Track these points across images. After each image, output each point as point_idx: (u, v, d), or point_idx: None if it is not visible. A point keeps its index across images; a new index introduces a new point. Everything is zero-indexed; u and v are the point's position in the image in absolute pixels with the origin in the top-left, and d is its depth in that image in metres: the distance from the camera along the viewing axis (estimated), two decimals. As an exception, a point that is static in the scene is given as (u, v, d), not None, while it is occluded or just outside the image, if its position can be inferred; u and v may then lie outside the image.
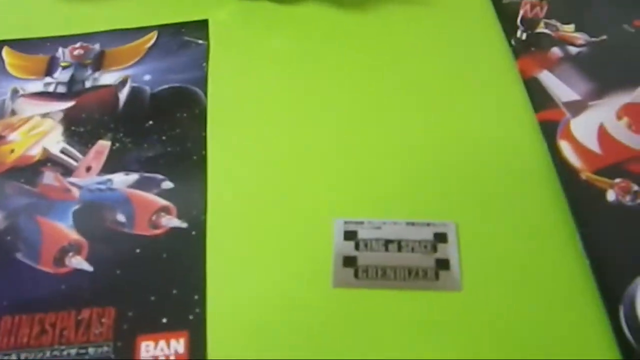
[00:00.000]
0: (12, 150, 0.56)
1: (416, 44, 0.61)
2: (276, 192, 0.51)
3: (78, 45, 0.64)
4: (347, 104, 0.57)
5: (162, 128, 0.56)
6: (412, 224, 0.48)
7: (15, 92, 0.60)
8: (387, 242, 0.47)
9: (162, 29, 0.65)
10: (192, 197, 0.51)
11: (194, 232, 0.49)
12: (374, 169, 0.52)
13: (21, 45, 0.65)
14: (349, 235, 0.48)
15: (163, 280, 0.46)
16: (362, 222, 0.48)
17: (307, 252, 0.47)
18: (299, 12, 0.65)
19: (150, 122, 0.56)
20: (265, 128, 0.56)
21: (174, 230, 0.49)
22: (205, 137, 0.55)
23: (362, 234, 0.48)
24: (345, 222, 0.48)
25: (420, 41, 0.61)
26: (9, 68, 0.63)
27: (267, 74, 0.60)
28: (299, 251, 0.47)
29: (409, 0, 0.65)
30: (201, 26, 0.65)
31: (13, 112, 0.59)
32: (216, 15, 0.66)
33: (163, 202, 0.51)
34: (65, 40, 0.65)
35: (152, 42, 0.64)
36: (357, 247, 0.47)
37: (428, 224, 0.48)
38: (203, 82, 0.59)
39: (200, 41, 0.63)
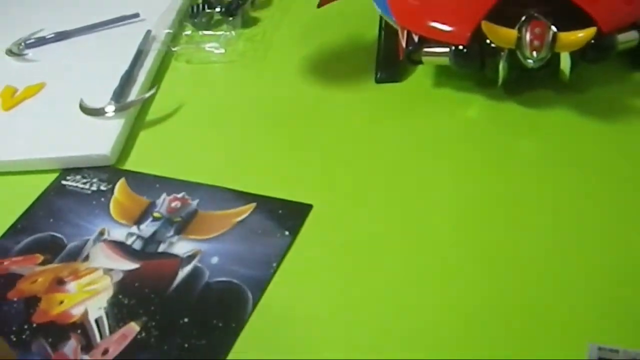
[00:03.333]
0: (62, 302, 0.56)
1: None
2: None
3: (180, 196, 0.64)
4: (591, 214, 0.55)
5: (191, 333, 0.52)
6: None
7: (101, 234, 0.61)
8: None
9: (262, 201, 0.61)
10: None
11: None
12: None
13: (136, 178, 0.66)
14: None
15: None
16: (617, 351, 0.45)
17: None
18: (544, 118, 0.65)
19: (185, 320, 0.53)
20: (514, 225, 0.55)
21: None
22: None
23: (616, 362, 0.44)
24: (600, 349, 0.45)
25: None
26: (111, 205, 0.64)
27: (513, 173, 0.60)
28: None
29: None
30: (301, 212, 0.59)
31: (86, 258, 0.59)
32: (465, 113, 0.67)
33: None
34: (172, 185, 0.65)
35: (244, 216, 0.60)
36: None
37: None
38: (263, 286, 0.54)
39: (287, 233, 0.58)
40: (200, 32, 0.86)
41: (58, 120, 0.74)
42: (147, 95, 0.75)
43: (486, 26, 0.60)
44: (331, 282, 0.53)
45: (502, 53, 0.62)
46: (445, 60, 0.65)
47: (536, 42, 0.58)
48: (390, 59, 0.73)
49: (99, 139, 0.69)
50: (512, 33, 0.59)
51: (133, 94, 0.75)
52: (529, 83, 0.67)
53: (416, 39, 0.66)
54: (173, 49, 0.84)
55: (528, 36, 0.59)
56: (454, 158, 0.62)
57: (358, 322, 0.50)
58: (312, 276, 0.54)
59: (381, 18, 0.76)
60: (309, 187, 0.62)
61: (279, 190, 0.62)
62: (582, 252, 0.52)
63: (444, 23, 0.64)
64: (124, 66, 0.79)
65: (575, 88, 0.66)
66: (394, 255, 0.54)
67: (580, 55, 0.61)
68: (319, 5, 0.76)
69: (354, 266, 0.54)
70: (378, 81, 0.73)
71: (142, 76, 0.78)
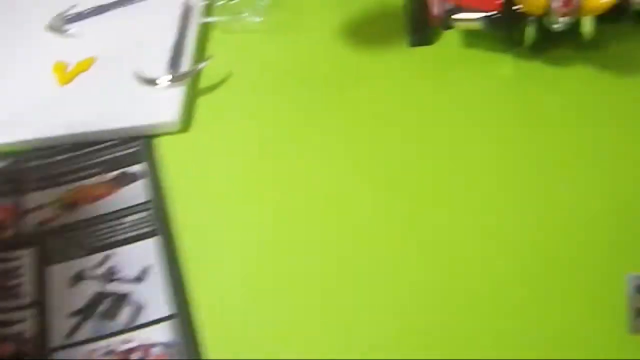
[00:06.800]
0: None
1: None
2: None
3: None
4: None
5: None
6: None
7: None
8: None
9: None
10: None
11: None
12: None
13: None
14: (640, 289, 0.52)
15: None
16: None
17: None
18: (566, 74, 0.72)
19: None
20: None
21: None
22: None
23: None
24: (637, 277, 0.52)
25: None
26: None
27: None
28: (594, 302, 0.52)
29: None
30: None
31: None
32: (498, 71, 0.74)
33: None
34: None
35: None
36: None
37: None
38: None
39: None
40: (232, 1, 0.90)
41: (118, 91, 0.79)
42: (203, 65, 0.80)
43: (519, -6, 0.66)
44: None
45: (530, 18, 0.68)
46: (477, 26, 0.71)
47: (564, 9, 0.65)
48: (421, 24, 0.79)
49: (164, 107, 0.75)
50: (542, 0, 0.66)
51: (184, 64, 0.80)
52: (551, 42, 0.74)
53: (450, 7, 0.72)
54: (209, 19, 0.88)
55: (556, 3, 0.65)
56: (489, 116, 0.69)
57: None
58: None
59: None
60: (348, 149, 0.69)
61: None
62: (608, 194, 0.60)
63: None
64: (169, 37, 0.84)
65: (593, 45, 0.73)
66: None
67: (600, 17, 0.68)
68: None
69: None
70: (412, 45, 0.79)
71: (190, 46, 0.83)
